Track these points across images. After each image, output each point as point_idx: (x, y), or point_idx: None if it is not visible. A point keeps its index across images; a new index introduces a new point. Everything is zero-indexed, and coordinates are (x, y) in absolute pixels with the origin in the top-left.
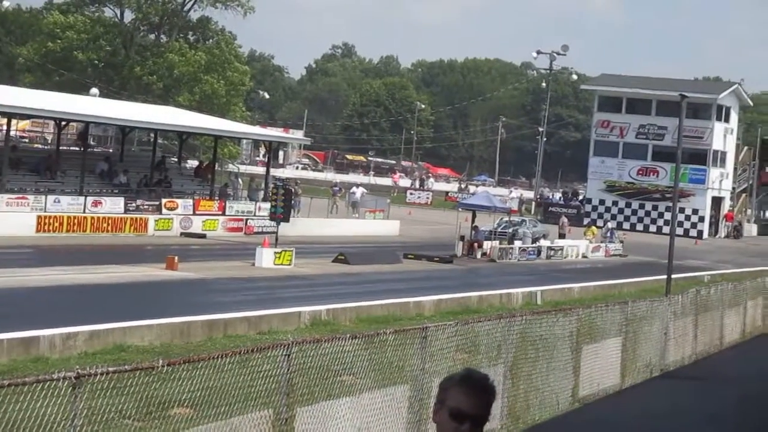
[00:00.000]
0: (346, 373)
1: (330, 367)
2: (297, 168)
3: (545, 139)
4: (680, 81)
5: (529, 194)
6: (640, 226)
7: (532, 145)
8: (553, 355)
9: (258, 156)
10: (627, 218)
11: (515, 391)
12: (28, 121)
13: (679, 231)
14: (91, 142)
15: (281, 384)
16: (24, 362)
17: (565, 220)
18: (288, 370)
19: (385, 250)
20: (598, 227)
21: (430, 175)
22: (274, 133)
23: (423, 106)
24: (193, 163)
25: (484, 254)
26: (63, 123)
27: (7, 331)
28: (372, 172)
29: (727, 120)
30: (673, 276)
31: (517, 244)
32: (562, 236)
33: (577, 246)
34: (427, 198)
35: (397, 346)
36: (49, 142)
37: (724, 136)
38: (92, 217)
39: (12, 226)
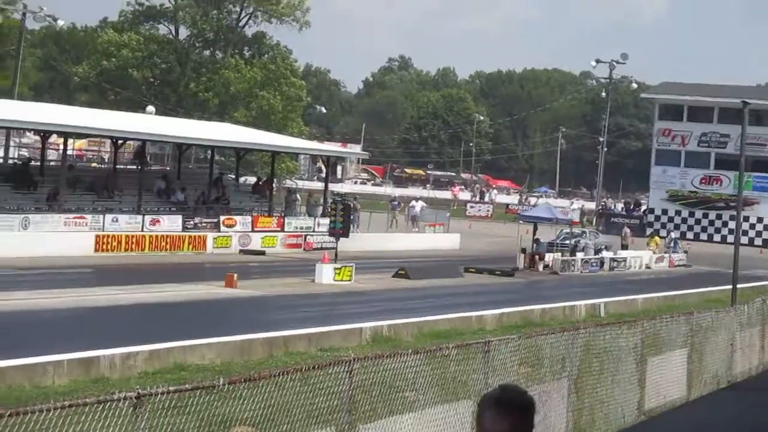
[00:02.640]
0: (408, 389)
1: (392, 383)
2: (355, 182)
3: (606, 148)
4: (742, 88)
5: (591, 205)
6: (703, 236)
7: (593, 155)
8: (617, 367)
9: (316, 171)
10: (690, 228)
11: (580, 405)
12: (84, 140)
13: (744, 240)
14: (148, 160)
15: (343, 401)
16: (84, 383)
17: (627, 230)
18: (350, 386)
19: (445, 264)
20: (661, 237)
21: (490, 187)
22: (331, 147)
23: (481, 117)
24: (250, 180)
25: (546, 267)
26: (119, 141)
27: (67, 351)
28: (431, 186)
29: None
30: (738, 285)
31: (580, 256)
32: (624, 247)
33: (641, 257)
34: (488, 211)
35: (460, 360)
36: (106, 160)
37: None
38: (150, 236)
39: (70, 246)
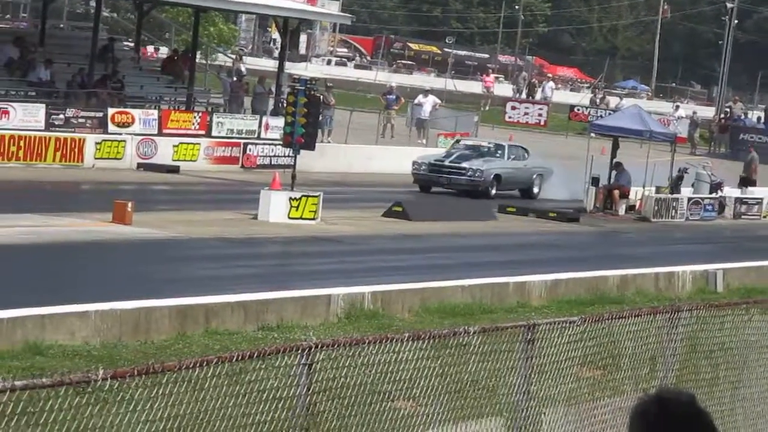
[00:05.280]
0: (402, 398)
1: (377, 387)
2: (329, 63)
3: (736, 21)
4: None
5: (708, 112)
6: None
7: (714, 32)
8: (742, 376)
9: (266, 42)
10: None
11: None
12: None
13: None
14: None
15: (297, 413)
16: None
17: (754, 155)
18: (308, 389)
19: (469, 200)
20: None
21: (544, 77)
22: (292, 4)
23: None
24: (158, 52)
25: (631, 208)
26: None
27: None
28: (450, 72)
29: None
30: None
31: (686, 192)
32: (747, 183)
33: None
34: (540, 115)
35: (487, 354)
36: None
37: None
38: None
39: None
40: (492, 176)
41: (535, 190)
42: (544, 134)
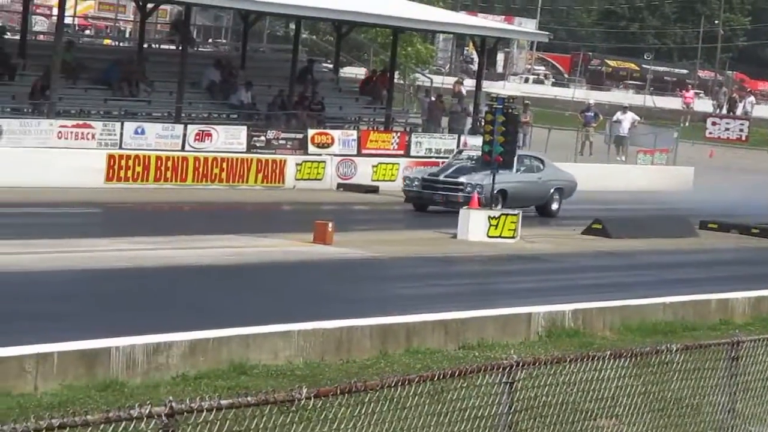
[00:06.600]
0: (604, 416)
1: (579, 405)
2: (526, 81)
3: None
4: None
5: None
6: None
7: None
8: None
9: (463, 62)
10: None
11: None
12: (91, 1)
13: None
14: (194, 37)
15: (499, 431)
16: (86, 389)
17: None
18: (510, 408)
19: (669, 216)
20: None
21: (745, 92)
22: (490, 23)
23: None
24: (358, 72)
25: None
26: (149, 6)
27: (60, 339)
28: (649, 89)
29: None
30: None
31: None
32: None
33: None
34: (741, 131)
35: (690, 371)
36: (127, 36)
37: None
38: (195, 158)
39: (68, 170)
40: (495, 192)
41: (554, 206)
42: (746, 149)
